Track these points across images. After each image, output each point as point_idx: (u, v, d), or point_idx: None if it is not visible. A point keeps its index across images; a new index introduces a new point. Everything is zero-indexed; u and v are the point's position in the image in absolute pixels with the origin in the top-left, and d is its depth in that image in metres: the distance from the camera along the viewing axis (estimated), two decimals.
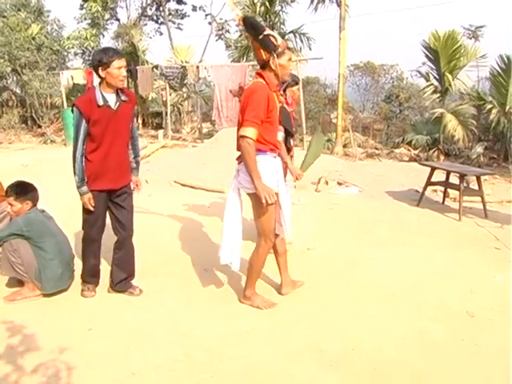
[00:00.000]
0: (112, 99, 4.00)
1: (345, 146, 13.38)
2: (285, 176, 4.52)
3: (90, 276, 4.40)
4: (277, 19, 15.03)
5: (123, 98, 4.07)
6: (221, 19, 21.24)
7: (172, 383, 3.14)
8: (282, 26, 15.37)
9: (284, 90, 4.88)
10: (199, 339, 3.64)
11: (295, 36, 15.39)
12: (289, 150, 4.90)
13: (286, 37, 14.76)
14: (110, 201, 4.25)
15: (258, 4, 14.52)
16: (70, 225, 5.15)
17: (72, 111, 3.97)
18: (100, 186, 4.10)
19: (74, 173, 4.02)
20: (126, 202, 4.31)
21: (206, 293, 4.44)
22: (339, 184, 8.74)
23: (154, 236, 5.65)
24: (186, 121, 19.65)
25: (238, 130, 3.83)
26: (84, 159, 4.02)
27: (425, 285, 4.58)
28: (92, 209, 4.09)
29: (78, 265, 4.55)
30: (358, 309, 4.12)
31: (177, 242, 5.71)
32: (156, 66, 15.63)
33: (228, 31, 20.64)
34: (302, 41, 15.46)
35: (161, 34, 23.15)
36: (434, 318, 3.96)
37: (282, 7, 15.32)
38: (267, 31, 3.74)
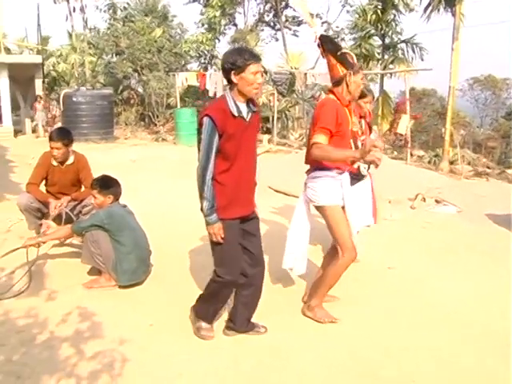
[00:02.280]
0: (244, 109, 3.39)
1: (452, 162, 12.72)
2: (354, 183, 4.48)
3: (212, 317, 3.76)
4: (388, 28, 14.67)
5: (253, 108, 3.46)
6: (337, 27, 21.13)
7: None
8: (393, 36, 15.00)
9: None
10: (251, 348, 3.63)
11: (407, 45, 14.93)
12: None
13: (398, 46, 14.40)
14: None
15: (370, 12, 14.24)
16: (151, 221, 5.36)
17: (199, 123, 3.34)
18: (234, 213, 3.45)
19: (202, 197, 3.36)
20: (256, 229, 3.68)
21: (270, 301, 4.36)
22: (437, 202, 8.32)
23: None
24: (295, 127, 19.75)
25: (308, 144, 3.92)
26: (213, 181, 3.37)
27: (503, 320, 4.22)
28: (221, 241, 3.41)
29: (158, 261, 4.73)
30: (426, 336, 3.87)
31: None
32: (266, 72, 15.86)
33: (343, 39, 20.46)
34: (413, 51, 14.98)
35: (276, 40, 23.50)
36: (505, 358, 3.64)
37: (394, 16, 14.94)
38: (344, 50, 3.93)
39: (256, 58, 3.31)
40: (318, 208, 4.00)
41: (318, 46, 3.96)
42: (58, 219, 5.28)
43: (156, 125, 19.66)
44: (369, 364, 3.47)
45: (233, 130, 3.30)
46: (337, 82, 3.91)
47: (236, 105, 3.33)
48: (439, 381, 3.32)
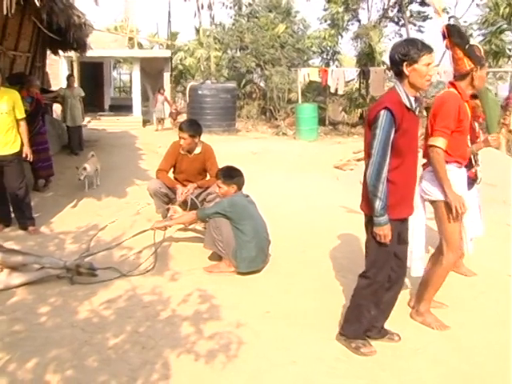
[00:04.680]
0: (413, 103, 3.25)
1: None
2: (470, 188, 4.21)
3: (365, 332, 3.55)
4: None
5: (418, 102, 3.36)
6: (465, 22, 20.02)
7: (326, 379, 3.18)
8: None
9: None
10: None
11: None
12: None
13: None
14: None
15: (503, 5, 13.32)
16: (272, 213, 5.46)
17: (372, 117, 3.20)
18: (401, 213, 3.33)
19: (375, 196, 3.15)
20: (407, 234, 3.53)
21: None
22: None
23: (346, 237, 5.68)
24: None
25: (426, 138, 3.83)
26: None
27: None
28: (388, 242, 3.24)
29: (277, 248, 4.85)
30: None
31: None
32: (388, 68, 15.54)
33: (471, 35, 19.42)
34: None
35: (400, 36, 22.67)
36: None
37: None
38: (472, 42, 3.79)
39: (429, 48, 3.17)
40: (433, 202, 3.81)
41: (444, 37, 3.82)
42: (183, 205, 5.56)
43: (277, 119, 19.88)
44: (482, 369, 3.34)
45: (407, 124, 3.19)
46: (461, 76, 3.79)
47: (408, 98, 3.20)
48: None
